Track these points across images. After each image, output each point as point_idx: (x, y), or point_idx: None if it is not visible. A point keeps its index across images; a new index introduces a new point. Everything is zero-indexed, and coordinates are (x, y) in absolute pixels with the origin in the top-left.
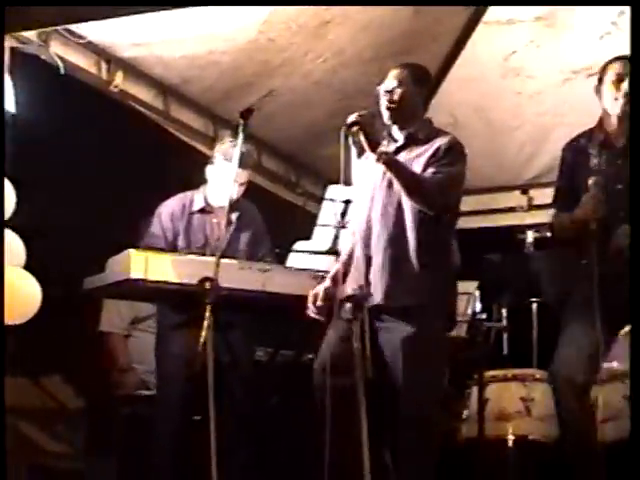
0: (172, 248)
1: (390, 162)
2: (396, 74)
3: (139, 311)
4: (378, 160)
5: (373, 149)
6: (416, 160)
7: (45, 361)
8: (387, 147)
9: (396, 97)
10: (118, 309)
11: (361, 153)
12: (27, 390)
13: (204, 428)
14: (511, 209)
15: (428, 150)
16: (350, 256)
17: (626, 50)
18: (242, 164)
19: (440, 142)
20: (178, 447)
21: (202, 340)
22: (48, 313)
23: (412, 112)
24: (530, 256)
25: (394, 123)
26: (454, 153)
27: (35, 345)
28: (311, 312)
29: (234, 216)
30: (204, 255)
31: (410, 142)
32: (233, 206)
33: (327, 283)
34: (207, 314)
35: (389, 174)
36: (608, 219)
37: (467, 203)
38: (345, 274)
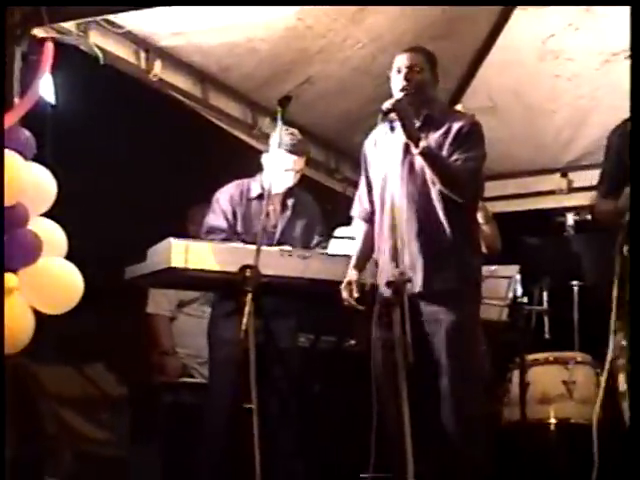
0: (233, 230)
1: (429, 153)
2: (409, 57)
3: (185, 294)
4: (418, 151)
5: (412, 138)
6: (436, 143)
7: (88, 349)
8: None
9: (412, 80)
10: (165, 291)
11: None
12: (70, 378)
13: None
14: (551, 192)
15: (448, 133)
16: (368, 241)
17: None
18: (298, 152)
19: (459, 124)
20: (228, 433)
21: (243, 327)
22: (91, 301)
23: (427, 94)
24: (570, 239)
25: (410, 102)
26: (476, 136)
27: (78, 334)
28: (351, 303)
29: (290, 202)
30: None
31: (427, 124)
32: (288, 193)
33: (354, 272)
34: (248, 301)
35: (410, 159)
36: None
37: (507, 186)
38: (366, 259)
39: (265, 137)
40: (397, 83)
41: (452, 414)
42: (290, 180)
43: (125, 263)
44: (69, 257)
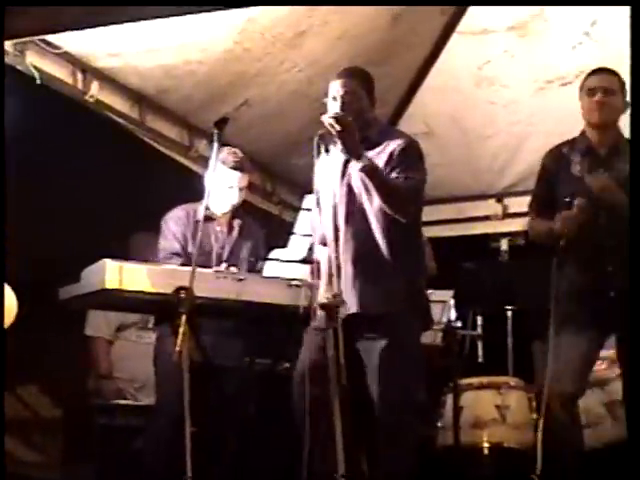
0: (186, 252)
1: (373, 170)
2: (343, 83)
3: (125, 318)
4: (359, 167)
5: (353, 153)
6: (374, 157)
7: (22, 371)
8: (340, 153)
9: (347, 109)
10: (105, 314)
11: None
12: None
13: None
14: (486, 217)
15: (381, 154)
16: (319, 264)
17: (598, 59)
18: (242, 168)
19: (394, 145)
20: (170, 454)
21: (177, 348)
22: (26, 322)
23: (364, 118)
24: (504, 264)
25: None
26: (415, 154)
27: (11, 355)
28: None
29: (236, 224)
30: (210, 262)
31: (364, 147)
32: (234, 214)
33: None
34: (182, 323)
35: (348, 180)
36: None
37: (443, 211)
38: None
39: (202, 159)
40: (334, 111)
41: (383, 440)
42: (235, 198)
43: (60, 284)
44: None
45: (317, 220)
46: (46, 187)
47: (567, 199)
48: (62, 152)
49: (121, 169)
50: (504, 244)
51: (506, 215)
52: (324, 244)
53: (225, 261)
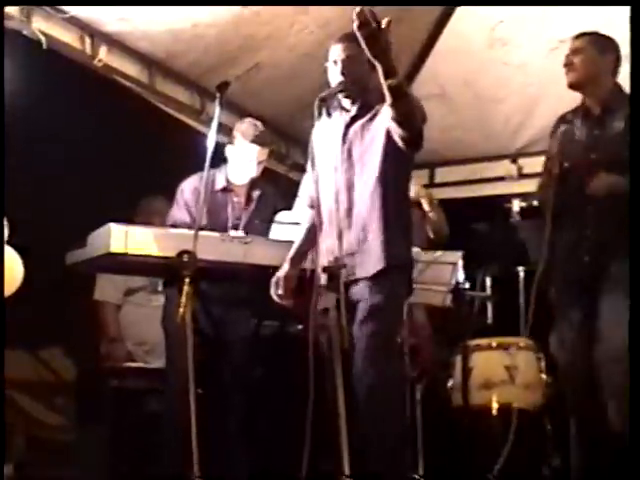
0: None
1: (401, 87)
2: (344, 47)
3: (133, 282)
4: (393, 83)
5: (390, 69)
6: (373, 121)
7: (45, 334)
8: (340, 117)
9: (348, 74)
10: (112, 278)
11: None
12: (26, 363)
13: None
14: (501, 178)
15: (379, 115)
16: (310, 233)
17: (611, 18)
18: (262, 142)
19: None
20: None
21: (181, 311)
22: (47, 286)
23: (364, 84)
24: (516, 225)
25: (347, 96)
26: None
27: (34, 318)
28: (276, 298)
29: (255, 195)
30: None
31: (362, 113)
32: (253, 185)
33: (286, 267)
34: (185, 286)
35: (349, 146)
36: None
37: (458, 173)
38: (304, 253)
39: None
40: (334, 76)
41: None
42: (253, 171)
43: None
44: (11, 243)
45: (309, 181)
46: (54, 153)
47: (567, 164)
48: (69, 117)
49: (130, 133)
50: (516, 205)
51: (521, 175)
52: (312, 206)
53: (243, 232)
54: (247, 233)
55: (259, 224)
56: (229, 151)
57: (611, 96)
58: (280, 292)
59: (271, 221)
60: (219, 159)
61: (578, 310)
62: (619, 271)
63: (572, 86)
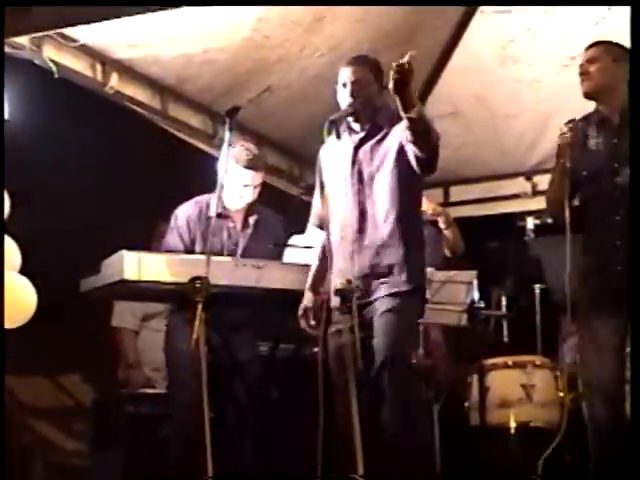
0: (190, 251)
1: (421, 117)
2: (353, 71)
3: (150, 308)
4: (413, 115)
5: (409, 103)
6: (383, 142)
7: (64, 360)
8: (349, 139)
9: (357, 96)
10: (130, 305)
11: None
12: (45, 389)
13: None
14: (515, 196)
15: (389, 136)
16: (325, 256)
17: (621, 33)
18: (256, 167)
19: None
20: (190, 442)
21: (195, 337)
22: (65, 313)
23: (373, 106)
24: (531, 243)
25: (356, 120)
26: None
27: (54, 345)
28: (307, 329)
29: (251, 220)
30: None
31: (372, 133)
32: (250, 210)
33: (310, 297)
34: (198, 311)
35: (359, 167)
36: (601, 198)
37: (472, 191)
38: (322, 277)
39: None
40: (344, 98)
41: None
42: (249, 196)
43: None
44: (24, 272)
45: (318, 202)
46: (68, 179)
47: (585, 173)
48: (83, 144)
49: (144, 158)
50: (530, 222)
51: (535, 193)
52: (320, 227)
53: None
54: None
55: (259, 249)
56: (222, 175)
57: (627, 103)
58: (312, 323)
59: (276, 245)
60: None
61: (608, 323)
62: None
63: (588, 95)
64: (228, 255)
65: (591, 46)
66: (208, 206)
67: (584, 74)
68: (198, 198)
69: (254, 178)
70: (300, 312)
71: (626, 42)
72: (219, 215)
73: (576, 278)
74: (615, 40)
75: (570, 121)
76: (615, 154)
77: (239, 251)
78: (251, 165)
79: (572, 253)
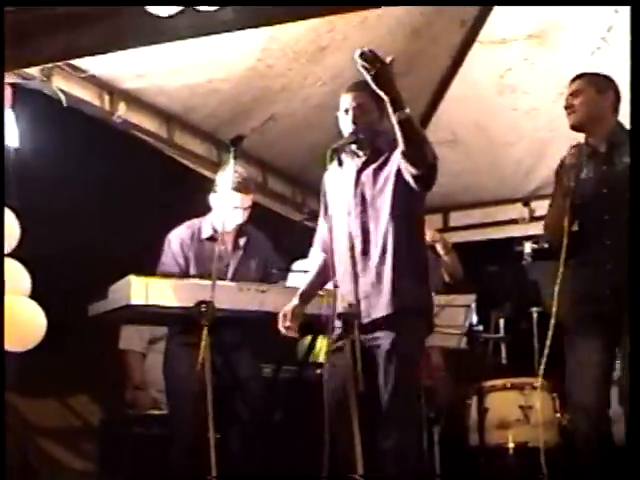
0: (185, 274)
1: (410, 119)
2: (354, 97)
3: (156, 331)
4: (403, 116)
5: (398, 102)
6: (384, 167)
7: (73, 382)
8: (352, 163)
9: (359, 122)
10: (137, 328)
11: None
12: (54, 410)
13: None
14: (513, 221)
15: (390, 160)
16: (321, 274)
17: (616, 63)
18: (245, 189)
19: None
20: (192, 463)
21: (200, 360)
22: (74, 336)
23: (375, 131)
24: (528, 267)
25: (359, 147)
26: None
27: (63, 367)
28: (282, 330)
29: (242, 241)
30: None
31: (375, 156)
32: (240, 232)
33: (295, 302)
34: (204, 335)
35: (362, 191)
36: (591, 224)
37: (471, 216)
38: (313, 291)
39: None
40: (346, 124)
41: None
42: (239, 218)
43: (91, 300)
44: (33, 296)
45: (322, 227)
46: (76, 207)
47: (578, 202)
48: (90, 171)
49: (150, 186)
50: (528, 247)
51: (533, 218)
52: (324, 251)
53: (230, 279)
54: (237, 280)
55: (249, 270)
56: (213, 200)
57: (615, 133)
58: (287, 324)
59: (288, 268)
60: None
61: (595, 346)
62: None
63: (574, 127)
64: (220, 278)
65: (574, 79)
66: (200, 230)
67: (569, 107)
68: (189, 222)
69: (243, 200)
70: (280, 314)
71: (620, 71)
72: (210, 238)
73: (567, 301)
74: (610, 70)
75: (575, 146)
76: (604, 181)
77: (229, 273)
78: (240, 188)
79: (564, 277)
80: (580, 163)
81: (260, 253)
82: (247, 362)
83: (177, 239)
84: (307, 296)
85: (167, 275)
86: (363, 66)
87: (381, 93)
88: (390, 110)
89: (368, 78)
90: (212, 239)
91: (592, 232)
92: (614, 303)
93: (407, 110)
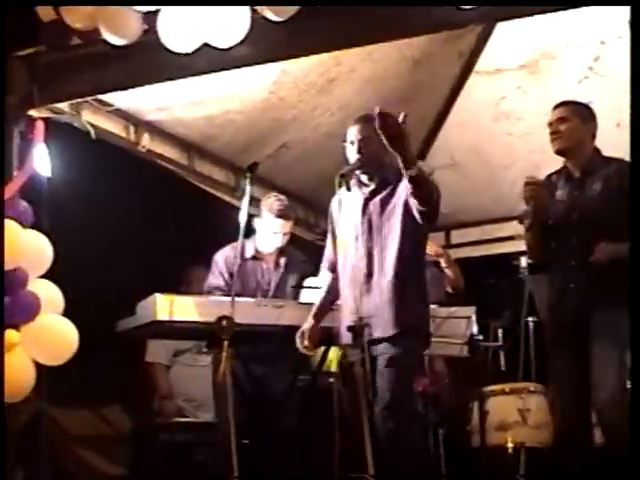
0: (230, 287)
1: (420, 175)
2: (360, 129)
3: (180, 344)
4: (413, 173)
5: (409, 162)
6: (392, 197)
7: (105, 394)
8: (359, 191)
9: (364, 153)
10: (162, 342)
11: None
12: (89, 421)
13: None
14: (510, 238)
15: (400, 186)
16: (331, 292)
17: (602, 91)
18: (286, 216)
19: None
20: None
21: (221, 371)
22: (105, 352)
23: (380, 161)
24: (524, 279)
25: (364, 172)
26: None
27: (96, 381)
28: (301, 349)
29: (282, 261)
30: (255, 297)
31: (381, 188)
32: (281, 252)
33: (311, 322)
34: (225, 348)
35: (369, 217)
36: (561, 244)
37: (471, 234)
38: (326, 309)
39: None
40: (352, 155)
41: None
42: (279, 241)
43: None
44: (66, 314)
45: (330, 248)
46: (105, 233)
47: (550, 222)
48: (118, 198)
49: (173, 211)
50: (524, 261)
51: None
52: (332, 270)
53: (273, 295)
54: (278, 295)
55: (288, 288)
56: (257, 224)
57: (591, 160)
58: (306, 343)
59: (300, 285)
60: (251, 229)
61: (570, 356)
62: (604, 318)
63: (559, 152)
64: (263, 292)
65: (559, 105)
66: (243, 250)
67: (555, 133)
68: (234, 244)
69: (284, 226)
70: (298, 334)
71: (606, 98)
72: (253, 257)
73: (544, 313)
74: (597, 96)
75: (547, 177)
76: (575, 205)
77: (272, 288)
78: (282, 214)
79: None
80: (555, 185)
81: (298, 271)
82: (281, 374)
83: (222, 256)
84: (320, 315)
85: (214, 290)
86: (379, 126)
87: (394, 153)
88: (402, 166)
89: (383, 138)
90: (254, 258)
91: (562, 251)
92: (579, 317)
93: (417, 166)
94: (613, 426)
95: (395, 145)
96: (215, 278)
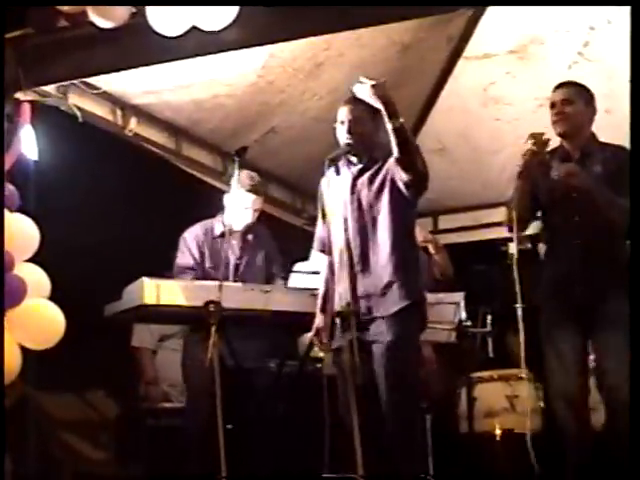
0: (202, 267)
1: (404, 127)
2: (350, 109)
3: (166, 329)
4: (397, 125)
5: (393, 113)
6: (379, 174)
7: (90, 378)
8: (348, 171)
9: (354, 133)
10: (148, 326)
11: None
12: (73, 405)
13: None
14: (498, 223)
15: (388, 163)
16: (330, 279)
17: (591, 76)
18: (257, 191)
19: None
20: (205, 453)
21: (209, 356)
22: (91, 336)
23: (370, 141)
24: (512, 266)
25: (354, 154)
26: None
27: (80, 364)
28: (319, 349)
29: (250, 237)
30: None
31: (370, 164)
32: (248, 229)
33: (321, 318)
34: (212, 333)
35: (358, 197)
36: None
37: (459, 220)
38: (330, 299)
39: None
40: (342, 135)
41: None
42: (249, 217)
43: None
44: (52, 298)
45: (320, 229)
46: (92, 217)
47: (545, 200)
48: (104, 182)
49: (160, 195)
50: (512, 247)
51: None
52: (322, 251)
53: (242, 271)
54: (247, 272)
55: (256, 260)
56: (227, 199)
57: (589, 143)
58: (324, 341)
59: (271, 261)
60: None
61: (571, 337)
62: (611, 304)
63: (563, 135)
64: (233, 270)
65: (562, 86)
66: (212, 228)
67: (560, 114)
68: (203, 222)
69: (255, 202)
70: (313, 332)
71: (596, 84)
72: (222, 235)
73: (542, 296)
74: (587, 82)
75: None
76: (574, 185)
77: (242, 265)
78: (253, 189)
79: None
80: (549, 161)
81: (265, 247)
82: (253, 352)
83: (192, 235)
84: (327, 306)
85: (185, 271)
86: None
87: (378, 104)
88: (386, 119)
89: (368, 90)
90: (223, 236)
91: (561, 231)
92: (585, 297)
93: (401, 119)
94: (620, 410)
95: (380, 96)
96: (184, 257)
